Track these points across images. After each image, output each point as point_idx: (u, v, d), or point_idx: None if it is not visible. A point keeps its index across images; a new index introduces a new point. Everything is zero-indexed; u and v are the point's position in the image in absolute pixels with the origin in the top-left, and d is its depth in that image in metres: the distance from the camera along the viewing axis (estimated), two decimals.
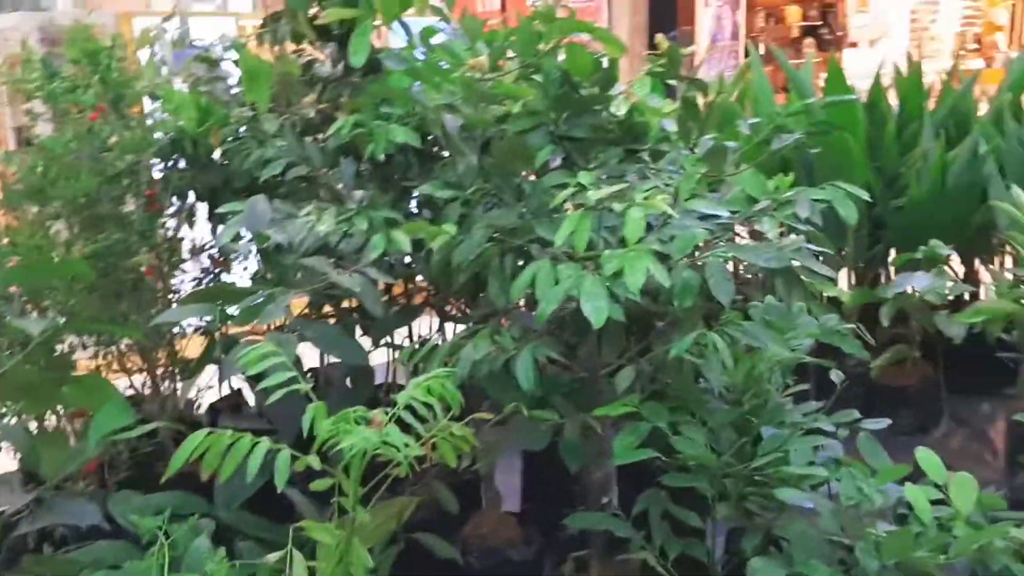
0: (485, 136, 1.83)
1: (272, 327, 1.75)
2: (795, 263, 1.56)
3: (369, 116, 1.91)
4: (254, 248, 2.12)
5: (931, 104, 3.28)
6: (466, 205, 1.75)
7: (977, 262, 3.26)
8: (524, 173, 1.80)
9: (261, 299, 1.59)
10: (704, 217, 1.71)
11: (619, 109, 1.80)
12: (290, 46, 2.29)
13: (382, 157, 1.87)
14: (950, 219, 2.95)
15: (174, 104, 2.17)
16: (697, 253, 1.59)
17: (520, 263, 1.67)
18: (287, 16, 2.17)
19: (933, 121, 3.14)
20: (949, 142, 2.98)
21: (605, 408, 1.58)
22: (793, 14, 9.61)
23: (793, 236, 1.61)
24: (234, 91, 2.34)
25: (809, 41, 9.69)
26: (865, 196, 1.70)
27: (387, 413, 1.26)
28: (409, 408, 1.29)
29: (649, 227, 1.60)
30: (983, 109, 3.33)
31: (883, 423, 1.70)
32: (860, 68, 8.56)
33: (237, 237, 1.82)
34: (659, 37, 1.84)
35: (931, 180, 2.91)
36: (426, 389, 1.31)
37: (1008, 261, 3.21)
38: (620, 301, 1.43)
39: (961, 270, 3.19)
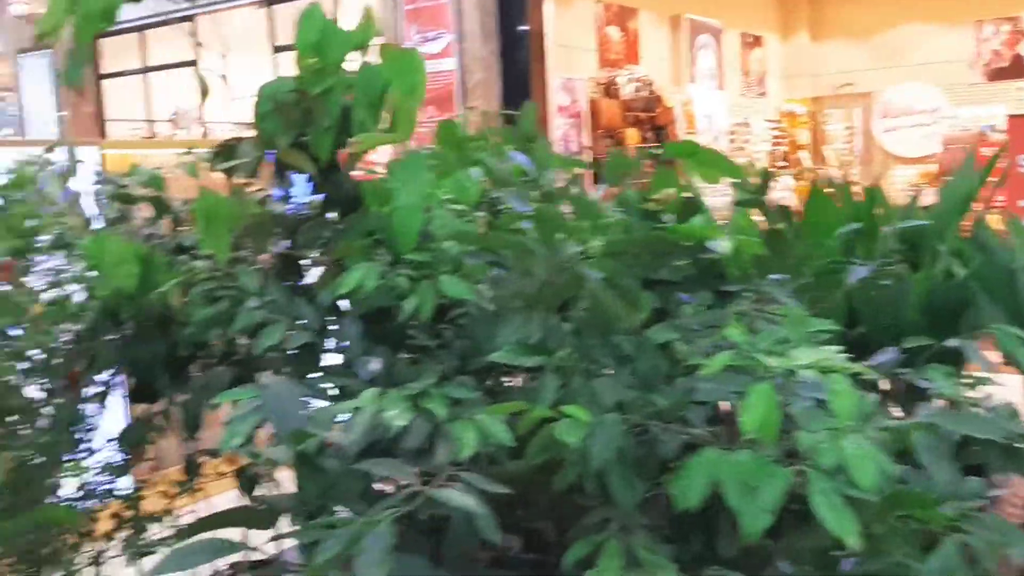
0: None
1: None
2: None
3: (358, 260, 1.51)
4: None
5: None
6: (558, 373, 1.35)
7: None
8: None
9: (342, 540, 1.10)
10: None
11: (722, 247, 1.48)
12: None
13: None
14: None
15: (105, 257, 1.66)
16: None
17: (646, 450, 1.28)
18: (255, 144, 1.73)
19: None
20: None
21: None
22: (632, 136, 9.87)
23: None
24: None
25: (648, 161, 9.96)
26: None
27: None
28: None
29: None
30: None
31: None
32: None
33: (249, 439, 1.31)
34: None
35: None
36: None
37: None
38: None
39: None
